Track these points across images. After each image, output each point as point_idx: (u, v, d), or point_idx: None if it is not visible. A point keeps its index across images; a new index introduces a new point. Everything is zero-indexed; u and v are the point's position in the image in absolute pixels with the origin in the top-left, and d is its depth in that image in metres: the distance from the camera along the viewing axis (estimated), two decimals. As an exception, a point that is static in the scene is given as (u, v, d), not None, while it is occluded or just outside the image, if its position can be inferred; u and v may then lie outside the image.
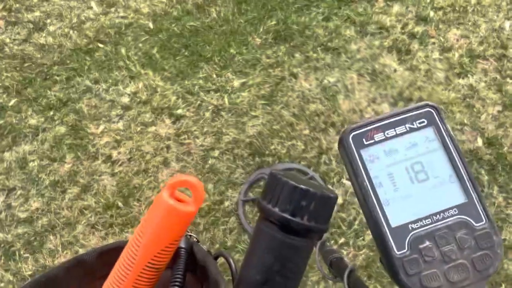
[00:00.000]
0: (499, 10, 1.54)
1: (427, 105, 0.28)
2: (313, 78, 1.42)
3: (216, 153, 1.33)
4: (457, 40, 1.50)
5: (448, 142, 0.27)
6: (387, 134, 0.27)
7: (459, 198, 0.26)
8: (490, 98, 1.42)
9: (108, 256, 0.34)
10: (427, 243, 0.25)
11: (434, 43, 1.49)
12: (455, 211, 0.26)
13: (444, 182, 0.26)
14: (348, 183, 1.33)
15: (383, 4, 1.53)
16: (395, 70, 1.44)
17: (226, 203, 1.29)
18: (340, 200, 1.29)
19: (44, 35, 1.45)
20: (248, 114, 1.37)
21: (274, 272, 0.24)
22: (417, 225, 0.26)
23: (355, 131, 0.27)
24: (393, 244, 0.25)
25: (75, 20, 1.46)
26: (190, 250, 0.36)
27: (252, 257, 0.25)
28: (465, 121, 1.39)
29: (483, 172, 1.32)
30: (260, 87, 1.40)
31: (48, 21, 1.47)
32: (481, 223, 0.26)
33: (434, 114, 0.27)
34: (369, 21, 1.50)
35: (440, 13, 1.53)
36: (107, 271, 0.31)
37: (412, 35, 1.49)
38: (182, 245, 0.34)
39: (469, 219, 0.26)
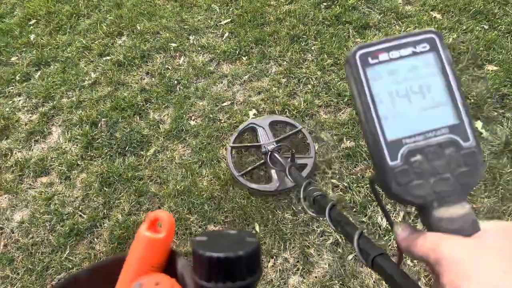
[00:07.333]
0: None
1: (430, 31, 0.31)
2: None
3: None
4: None
5: (447, 68, 0.30)
6: (391, 55, 0.30)
7: (451, 119, 0.30)
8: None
9: (102, 273, 0.37)
10: (418, 156, 0.29)
11: None
12: (446, 130, 0.30)
13: (439, 104, 0.30)
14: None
15: None
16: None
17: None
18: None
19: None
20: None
21: None
22: (410, 140, 0.29)
23: (362, 49, 0.30)
24: (387, 155, 0.29)
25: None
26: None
27: None
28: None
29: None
30: None
31: None
32: (468, 143, 0.29)
33: (437, 40, 0.30)
34: None
35: None
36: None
37: None
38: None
39: (458, 139, 0.29)
